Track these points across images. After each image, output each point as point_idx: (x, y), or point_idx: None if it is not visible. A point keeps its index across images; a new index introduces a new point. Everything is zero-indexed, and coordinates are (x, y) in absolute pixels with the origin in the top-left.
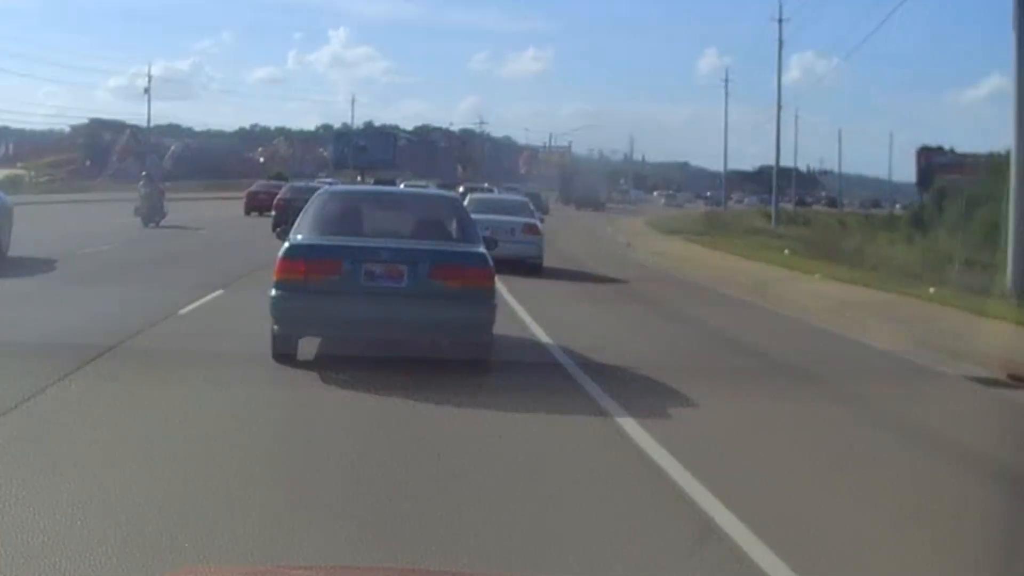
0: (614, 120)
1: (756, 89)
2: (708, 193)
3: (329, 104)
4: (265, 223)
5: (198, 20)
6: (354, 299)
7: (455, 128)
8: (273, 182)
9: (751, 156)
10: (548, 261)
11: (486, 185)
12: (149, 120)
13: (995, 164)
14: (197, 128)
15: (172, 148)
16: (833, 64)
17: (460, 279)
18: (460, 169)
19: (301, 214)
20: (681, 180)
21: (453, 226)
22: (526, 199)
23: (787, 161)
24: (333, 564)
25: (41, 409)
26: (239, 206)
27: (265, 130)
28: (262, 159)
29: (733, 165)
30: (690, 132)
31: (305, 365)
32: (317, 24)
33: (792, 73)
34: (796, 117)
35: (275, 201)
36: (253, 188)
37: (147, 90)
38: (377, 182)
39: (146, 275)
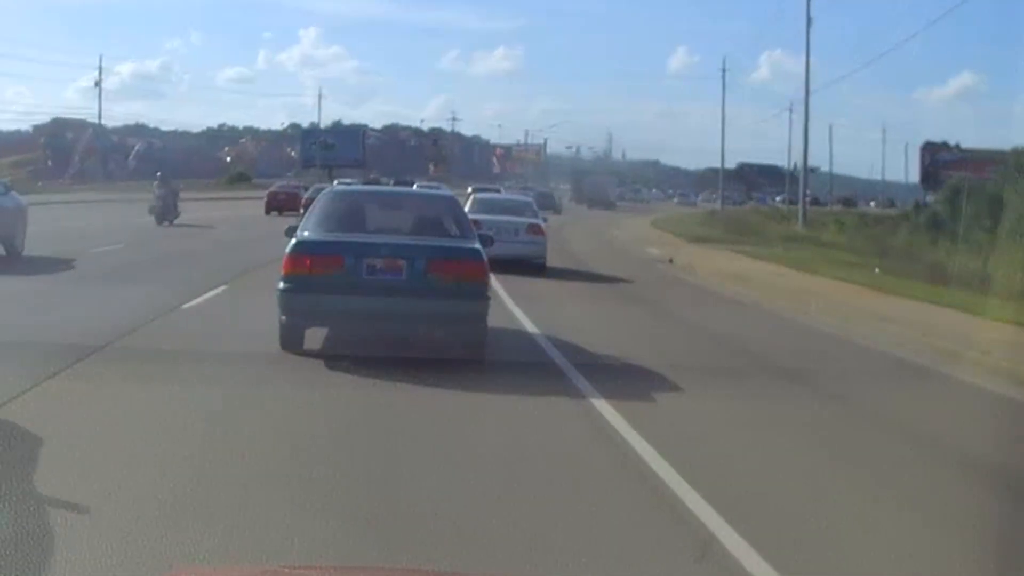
0: (585, 118)
1: (729, 86)
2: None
3: (298, 104)
4: (283, 223)
5: (167, 20)
6: (356, 292)
7: (425, 126)
8: (292, 183)
9: (728, 153)
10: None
11: (498, 186)
12: (100, 115)
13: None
14: (164, 128)
15: (136, 148)
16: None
17: (455, 273)
18: (431, 167)
19: (307, 213)
20: (656, 178)
21: (450, 223)
22: (530, 200)
23: (774, 159)
24: (333, 564)
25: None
26: (251, 206)
27: (233, 130)
28: (228, 159)
29: (710, 163)
30: (660, 130)
31: (311, 354)
32: (287, 24)
33: (762, 72)
34: (791, 113)
35: (304, 200)
36: (273, 189)
37: (98, 83)
38: (397, 183)
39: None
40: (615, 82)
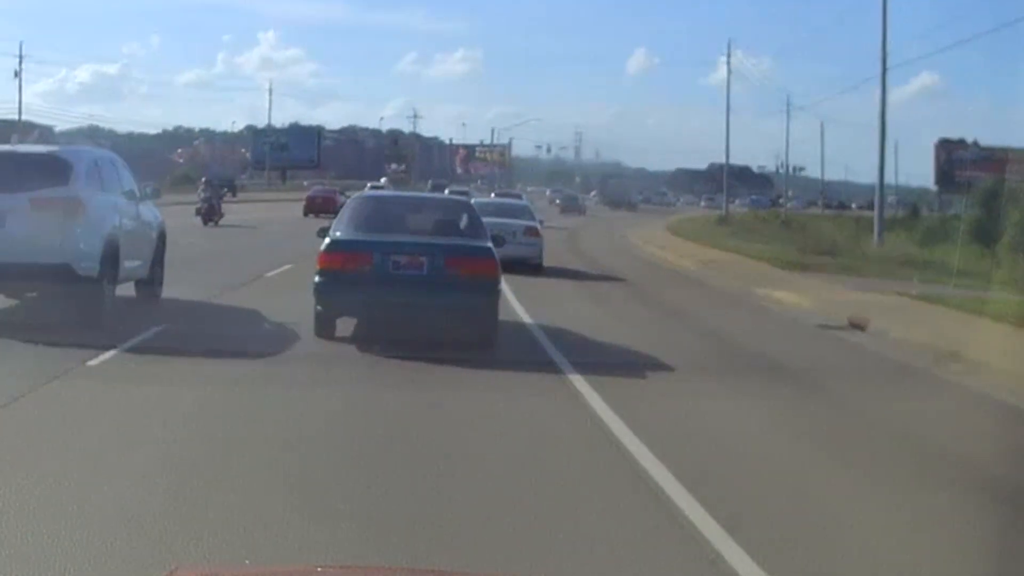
0: (547, 119)
1: (689, 87)
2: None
3: (256, 106)
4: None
5: (128, 23)
6: (382, 285)
7: (384, 127)
8: (328, 187)
9: (684, 155)
10: None
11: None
12: (20, 112)
13: None
14: (121, 130)
15: None
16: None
17: (469, 268)
18: (390, 168)
19: (339, 215)
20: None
21: (465, 225)
22: (527, 204)
23: (746, 160)
24: (333, 564)
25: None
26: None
27: (189, 131)
28: (181, 160)
29: (679, 164)
30: (619, 131)
31: (343, 340)
32: (247, 26)
33: (722, 72)
34: (788, 112)
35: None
36: (311, 193)
37: (17, 74)
38: (434, 188)
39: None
40: (574, 84)
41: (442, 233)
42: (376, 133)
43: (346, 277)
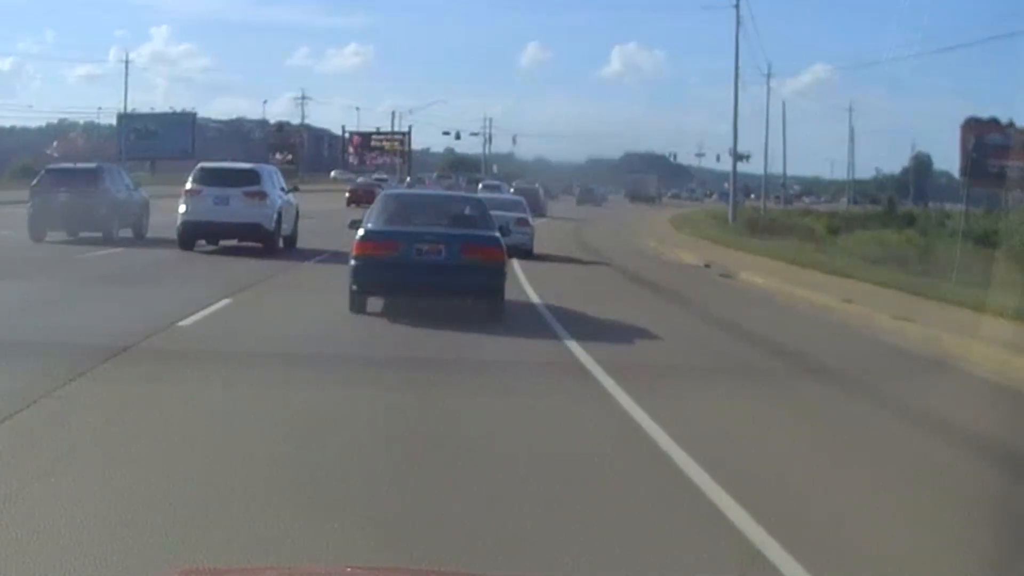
0: (448, 109)
1: (580, 79)
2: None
3: (148, 101)
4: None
5: (21, 19)
6: (408, 268)
7: (274, 120)
8: (373, 180)
9: (596, 144)
10: None
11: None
12: None
13: None
14: (4, 124)
15: None
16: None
17: (480, 254)
18: (277, 157)
19: (370, 209)
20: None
21: (476, 218)
22: (520, 198)
23: (645, 147)
24: (333, 564)
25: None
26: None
27: (74, 125)
28: (56, 154)
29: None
30: (515, 123)
31: (373, 314)
32: (140, 21)
33: (616, 64)
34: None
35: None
36: (354, 186)
37: None
38: (469, 182)
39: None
40: (471, 77)
41: (457, 225)
42: (263, 124)
43: (377, 261)
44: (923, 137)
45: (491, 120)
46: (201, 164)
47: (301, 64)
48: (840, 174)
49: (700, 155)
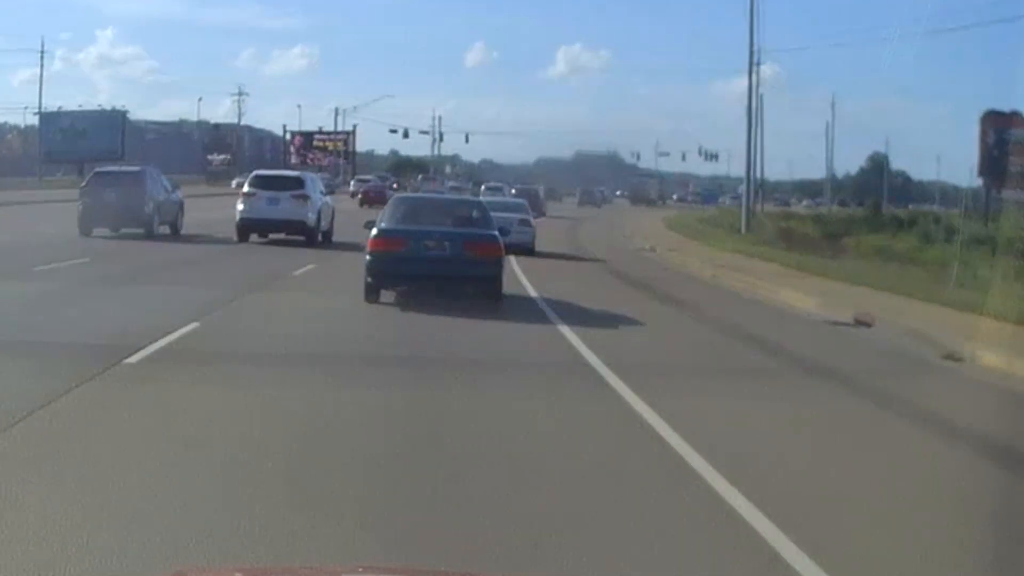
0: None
1: (521, 80)
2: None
3: (93, 104)
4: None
5: None
6: (416, 262)
7: (222, 121)
8: (378, 183)
9: (545, 144)
10: None
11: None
12: None
13: None
14: None
15: None
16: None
17: (480, 250)
18: (213, 158)
19: (383, 211)
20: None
21: (477, 218)
22: (522, 200)
23: (597, 145)
24: (333, 564)
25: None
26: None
27: (14, 128)
28: None
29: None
30: (464, 123)
31: (386, 303)
32: (85, 24)
33: (560, 65)
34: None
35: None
36: (366, 188)
37: None
38: (486, 188)
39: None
40: (417, 77)
41: (460, 224)
42: (202, 125)
43: (390, 256)
44: (876, 138)
45: (440, 117)
46: (256, 172)
47: (247, 66)
48: (799, 174)
49: (664, 154)
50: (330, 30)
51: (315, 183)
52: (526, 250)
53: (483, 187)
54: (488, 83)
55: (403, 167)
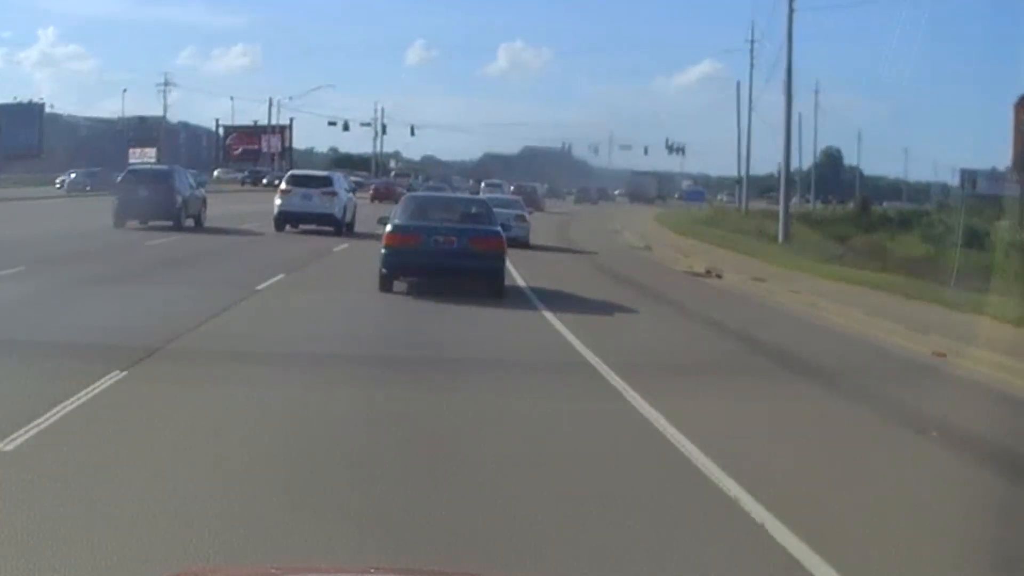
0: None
1: (465, 76)
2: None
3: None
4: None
5: None
6: (427, 255)
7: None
8: (388, 181)
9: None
10: None
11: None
12: None
13: None
14: None
15: None
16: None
17: (484, 244)
18: (136, 153)
19: (395, 208)
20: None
21: (482, 214)
22: (518, 198)
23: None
24: (333, 564)
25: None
26: None
27: None
28: None
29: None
30: (408, 117)
31: (399, 292)
32: (26, 23)
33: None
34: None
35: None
36: (376, 184)
37: None
38: (487, 185)
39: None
40: (359, 74)
41: (466, 221)
42: (135, 120)
43: (403, 250)
44: (829, 133)
45: (383, 110)
46: (291, 172)
47: (188, 63)
48: (753, 170)
49: (626, 147)
50: (272, 28)
51: (342, 181)
52: (521, 244)
53: (483, 184)
54: (430, 80)
55: (343, 164)
